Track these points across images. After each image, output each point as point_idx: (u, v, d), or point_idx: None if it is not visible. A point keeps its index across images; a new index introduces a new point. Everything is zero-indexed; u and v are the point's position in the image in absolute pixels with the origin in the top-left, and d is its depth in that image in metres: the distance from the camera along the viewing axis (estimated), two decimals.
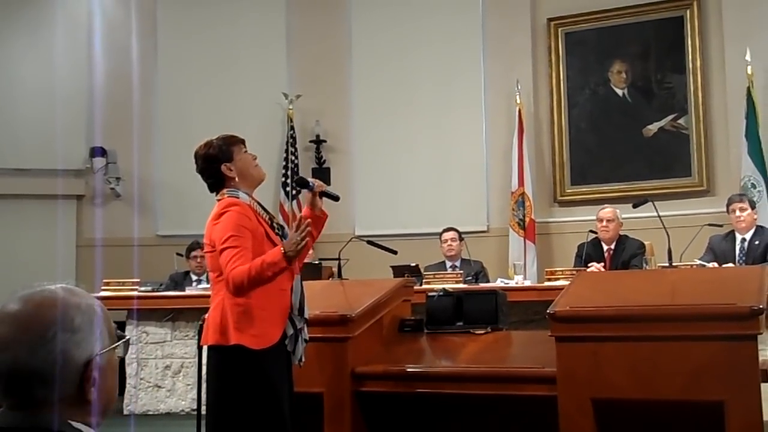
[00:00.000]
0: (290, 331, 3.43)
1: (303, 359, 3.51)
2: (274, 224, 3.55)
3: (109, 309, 1.53)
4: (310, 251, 3.93)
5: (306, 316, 3.53)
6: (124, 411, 6.58)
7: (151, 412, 6.66)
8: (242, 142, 3.61)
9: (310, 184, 3.74)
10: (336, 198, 3.85)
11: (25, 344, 1.39)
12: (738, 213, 6.52)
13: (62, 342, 1.41)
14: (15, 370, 1.39)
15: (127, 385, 6.69)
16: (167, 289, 7.22)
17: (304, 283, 3.62)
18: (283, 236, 3.52)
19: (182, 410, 6.64)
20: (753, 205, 6.65)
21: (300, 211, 3.64)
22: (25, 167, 8.95)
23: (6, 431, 1.38)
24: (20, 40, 9.19)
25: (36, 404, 1.39)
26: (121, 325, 6.70)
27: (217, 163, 3.55)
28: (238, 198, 3.48)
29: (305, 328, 3.54)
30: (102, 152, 9.13)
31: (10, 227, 8.92)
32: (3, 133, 8.98)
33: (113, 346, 1.51)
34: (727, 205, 6.67)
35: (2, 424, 1.40)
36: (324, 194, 3.75)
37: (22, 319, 1.41)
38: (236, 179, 3.52)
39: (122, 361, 6.51)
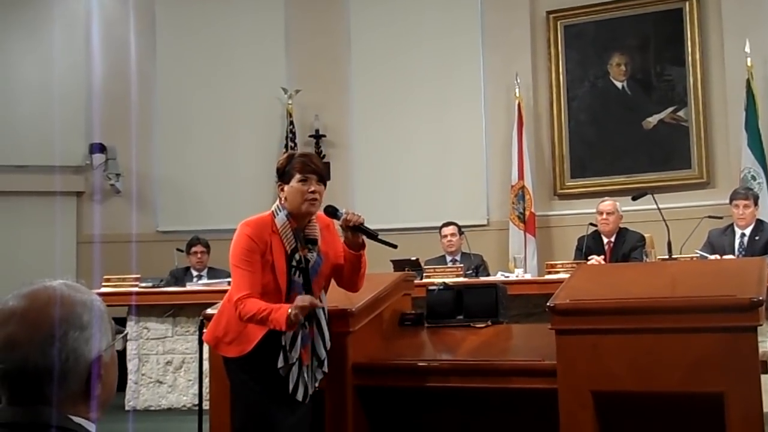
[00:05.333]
0: (282, 362, 3.38)
1: (307, 395, 3.44)
2: (295, 256, 3.42)
3: (109, 305, 1.54)
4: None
5: (324, 352, 3.51)
6: (125, 407, 6.59)
7: (152, 408, 6.67)
8: (312, 171, 3.45)
9: (339, 213, 3.52)
10: (374, 236, 3.54)
11: (35, 343, 1.39)
12: (741, 210, 6.50)
13: (73, 340, 1.41)
14: (25, 369, 1.39)
15: (129, 381, 6.70)
16: (167, 284, 7.22)
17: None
18: (300, 269, 3.42)
19: (184, 406, 6.65)
20: (756, 202, 6.63)
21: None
22: (25, 164, 8.96)
23: (6, 427, 1.38)
24: (19, 36, 9.19)
25: (37, 399, 1.40)
26: (122, 321, 6.70)
27: (278, 176, 3.52)
28: (275, 217, 3.45)
29: (326, 360, 3.51)
30: (101, 148, 9.13)
31: (9, 224, 8.93)
32: (2, 130, 8.99)
33: (115, 341, 1.51)
34: (731, 199, 6.63)
35: (2, 419, 1.40)
36: (359, 230, 3.51)
37: (30, 318, 1.40)
38: (283, 202, 3.48)
39: (123, 356, 6.53)
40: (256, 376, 3.41)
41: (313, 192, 3.42)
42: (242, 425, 3.48)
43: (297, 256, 3.42)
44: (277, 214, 3.45)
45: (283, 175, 3.48)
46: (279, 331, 3.29)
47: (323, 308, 3.50)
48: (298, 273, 3.42)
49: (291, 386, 3.38)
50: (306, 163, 3.46)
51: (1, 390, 1.42)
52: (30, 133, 8.99)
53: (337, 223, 3.61)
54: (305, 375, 3.43)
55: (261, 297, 3.33)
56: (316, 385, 3.53)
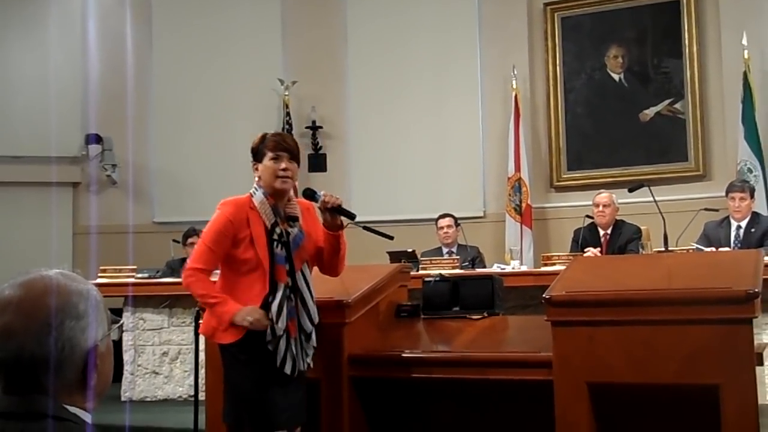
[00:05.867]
0: (270, 335, 3.45)
1: (295, 368, 3.49)
2: (276, 230, 3.50)
3: (105, 296, 1.53)
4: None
5: (315, 321, 3.57)
6: (121, 397, 6.59)
7: (148, 399, 6.67)
8: (282, 149, 3.55)
9: (316, 196, 3.62)
10: (352, 216, 3.66)
11: (31, 332, 1.39)
12: (737, 202, 6.50)
13: (69, 329, 1.41)
14: (21, 358, 1.38)
15: (125, 372, 6.70)
16: (164, 276, 7.21)
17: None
18: (282, 242, 3.50)
19: (180, 396, 6.65)
20: (752, 194, 6.63)
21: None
22: (21, 155, 8.93)
23: (2, 416, 1.38)
24: (16, 28, 9.16)
25: (33, 389, 1.39)
26: (118, 312, 6.69)
27: (252, 155, 3.62)
28: (253, 196, 3.56)
29: (312, 333, 3.56)
30: (97, 139, 9.11)
31: (5, 215, 8.92)
32: None
33: (111, 331, 1.51)
34: (727, 191, 6.63)
35: None
36: (338, 211, 3.61)
37: (26, 307, 1.40)
38: (257, 181, 3.58)
39: (119, 347, 6.53)
40: (251, 359, 3.45)
41: (285, 169, 3.52)
42: (235, 413, 3.52)
43: (278, 230, 3.51)
44: (255, 194, 3.56)
45: (257, 155, 3.58)
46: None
47: (307, 282, 3.57)
48: (280, 246, 3.50)
49: (279, 359, 3.44)
50: (278, 142, 3.57)
51: None
52: (26, 124, 8.97)
53: (316, 206, 3.69)
54: (293, 348, 3.48)
55: (245, 275, 3.47)
56: (308, 361, 3.55)
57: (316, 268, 3.79)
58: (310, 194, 3.65)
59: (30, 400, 1.39)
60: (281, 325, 3.43)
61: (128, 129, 8.90)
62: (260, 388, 3.45)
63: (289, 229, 3.53)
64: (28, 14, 9.16)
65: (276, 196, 3.55)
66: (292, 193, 3.64)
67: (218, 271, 3.65)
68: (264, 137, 3.60)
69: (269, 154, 3.54)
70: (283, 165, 3.52)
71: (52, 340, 1.39)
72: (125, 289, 6.57)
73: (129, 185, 9.18)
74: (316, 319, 3.58)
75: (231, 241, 3.47)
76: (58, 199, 8.99)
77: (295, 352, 3.48)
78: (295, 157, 3.59)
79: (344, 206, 3.67)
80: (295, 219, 3.57)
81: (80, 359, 1.42)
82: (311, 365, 3.58)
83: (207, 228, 3.55)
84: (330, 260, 3.71)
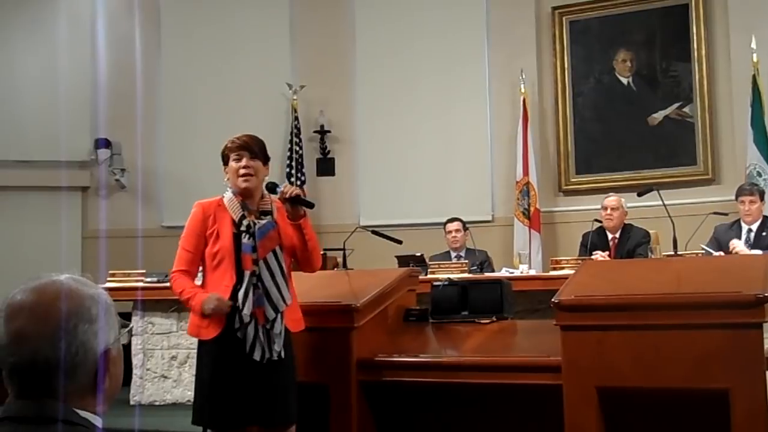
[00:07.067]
0: (238, 322, 3.56)
1: (264, 355, 3.56)
2: (244, 222, 3.65)
3: (114, 300, 1.54)
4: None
5: (279, 309, 3.63)
6: (130, 401, 6.59)
7: (157, 403, 6.67)
8: (241, 148, 3.74)
9: (277, 189, 3.77)
10: (310, 205, 3.81)
11: (45, 337, 1.39)
12: (747, 206, 6.49)
13: (82, 333, 1.42)
14: (36, 362, 1.39)
15: (134, 376, 6.71)
16: None
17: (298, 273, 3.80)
18: (249, 233, 3.63)
19: (188, 400, 6.63)
20: (762, 197, 6.61)
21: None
22: (30, 159, 8.96)
23: (14, 420, 1.39)
24: (24, 32, 9.18)
25: (45, 393, 1.40)
26: (127, 316, 6.71)
27: (222, 161, 3.84)
28: (223, 196, 3.77)
29: (276, 321, 3.61)
30: (106, 143, 9.12)
31: (14, 219, 8.94)
32: (7, 125, 8.98)
33: (121, 335, 1.52)
34: (737, 195, 6.62)
35: (10, 413, 1.40)
36: (296, 201, 3.73)
37: (39, 312, 1.40)
38: (227, 181, 3.79)
39: (128, 351, 6.54)
40: (224, 352, 3.56)
41: (246, 167, 3.69)
42: (197, 407, 3.64)
43: (245, 222, 3.66)
44: (225, 194, 3.77)
45: (223, 159, 3.80)
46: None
47: (271, 270, 3.64)
48: (247, 236, 3.64)
49: (248, 345, 3.55)
50: (238, 143, 3.75)
51: (9, 383, 1.42)
52: (35, 128, 8.99)
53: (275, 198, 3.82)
54: (260, 335, 3.56)
55: (216, 268, 3.64)
56: (276, 349, 3.59)
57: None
58: (271, 187, 3.80)
59: (42, 405, 1.39)
60: (246, 311, 3.55)
61: (137, 133, 8.92)
62: (220, 378, 3.54)
63: (257, 221, 3.67)
64: (37, 18, 9.19)
65: (245, 195, 3.72)
66: (265, 191, 3.78)
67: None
68: (229, 142, 3.79)
69: (232, 156, 3.74)
70: (243, 163, 3.70)
71: (66, 344, 1.39)
72: (134, 293, 6.57)
73: (138, 189, 9.19)
74: (282, 307, 3.64)
75: (203, 240, 3.68)
76: (67, 203, 9.01)
77: (262, 339, 3.56)
78: (256, 155, 3.73)
79: (305, 198, 3.85)
80: (267, 214, 3.72)
81: (93, 363, 1.43)
82: (282, 355, 3.61)
83: (183, 232, 3.78)
84: (302, 254, 3.80)
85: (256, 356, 3.54)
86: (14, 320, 1.40)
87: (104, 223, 8.72)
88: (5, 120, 8.99)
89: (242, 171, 3.69)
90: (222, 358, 3.56)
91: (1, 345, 1.41)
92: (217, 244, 3.64)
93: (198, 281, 3.78)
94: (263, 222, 3.68)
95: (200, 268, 3.78)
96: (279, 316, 3.61)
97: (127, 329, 1.52)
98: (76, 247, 9.01)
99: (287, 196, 3.70)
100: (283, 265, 3.68)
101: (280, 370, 3.60)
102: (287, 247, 3.73)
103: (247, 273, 3.59)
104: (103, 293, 1.49)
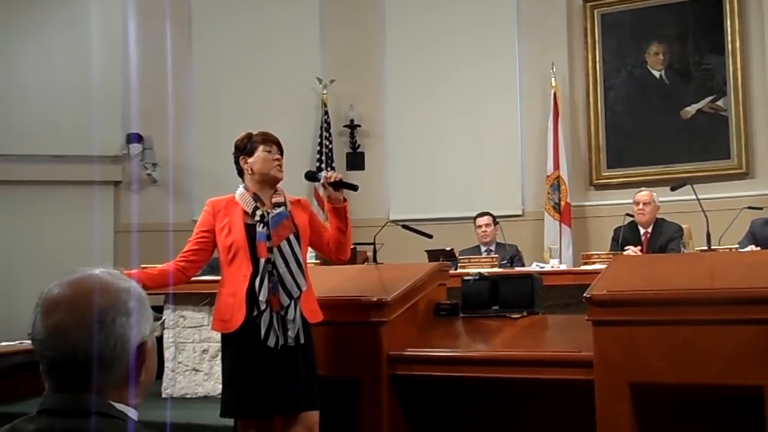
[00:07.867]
0: (255, 312, 3.61)
1: (278, 342, 3.60)
2: (258, 212, 3.70)
3: (146, 294, 1.55)
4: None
5: (293, 295, 3.66)
6: (162, 394, 6.65)
7: (188, 396, 6.73)
8: (272, 141, 3.83)
9: (318, 176, 3.89)
10: (354, 188, 3.92)
11: (84, 330, 1.40)
12: None
13: (120, 326, 1.43)
14: (75, 356, 1.40)
15: (166, 369, 6.76)
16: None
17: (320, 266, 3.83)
18: (264, 222, 3.69)
19: (219, 393, 6.67)
20: None
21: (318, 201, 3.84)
22: (63, 154, 9.05)
23: (51, 413, 1.40)
24: (56, 28, 9.28)
25: (82, 386, 1.41)
26: (159, 310, 6.76)
27: (237, 153, 3.86)
28: (234, 194, 3.81)
29: (291, 307, 3.64)
30: (138, 138, 9.20)
31: (48, 213, 9.04)
32: (40, 121, 9.08)
33: (155, 327, 1.53)
34: None
35: (48, 405, 1.42)
36: (340, 185, 3.86)
37: (77, 306, 1.42)
38: (249, 173, 3.81)
39: (160, 344, 6.60)
40: (243, 341, 3.60)
41: (277, 159, 3.80)
42: (223, 399, 3.73)
43: (259, 211, 3.72)
44: (237, 191, 3.83)
45: (245, 150, 3.83)
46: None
47: (285, 257, 3.67)
48: (262, 225, 3.70)
49: (263, 332, 3.58)
50: (267, 134, 3.84)
51: (47, 377, 1.43)
52: (68, 123, 9.08)
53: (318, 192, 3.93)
54: (275, 322, 3.60)
55: (232, 261, 3.68)
56: (291, 336, 3.62)
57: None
58: (311, 176, 3.97)
59: (79, 398, 1.40)
60: (262, 298, 3.59)
61: (168, 128, 8.98)
62: (242, 367, 3.59)
63: (271, 210, 3.73)
64: (70, 15, 9.28)
65: (262, 186, 3.77)
66: (279, 185, 3.85)
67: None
68: (250, 135, 3.85)
69: (261, 147, 3.79)
70: (276, 155, 3.80)
71: (104, 337, 1.41)
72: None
73: (169, 184, 9.25)
74: (296, 293, 3.66)
75: (210, 235, 3.76)
76: (100, 197, 9.10)
77: (277, 327, 3.60)
78: (282, 150, 3.85)
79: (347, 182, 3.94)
80: (280, 206, 3.77)
81: (129, 355, 1.44)
82: (301, 341, 3.64)
83: None
84: (337, 237, 3.89)
85: (270, 343, 3.57)
86: (52, 314, 1.42)
87: (136, 217, 8.80)
88: (39, 116, 9.09)
89: (276, 162, 3.79)
90: (242, 347, 3.61)
91: (40, 339, 1.42)
92: (230, 236, 3.70)
93: (198, 274, 3.91)
94: (277, 211, 3.73)
95: (206, 263, 3.91)
96: (293, 302, 3.64)
97: (159, 322, 1.54)
98: (109, 241, 9.10)
99: (331, 180, 3.84)
100: (297, 252, 3.71)
101: (300, 358, 3.63)
102: (303, 238, 3.80)
103: (262, 261, 3.64)
104: (137, 286, 1.51)
